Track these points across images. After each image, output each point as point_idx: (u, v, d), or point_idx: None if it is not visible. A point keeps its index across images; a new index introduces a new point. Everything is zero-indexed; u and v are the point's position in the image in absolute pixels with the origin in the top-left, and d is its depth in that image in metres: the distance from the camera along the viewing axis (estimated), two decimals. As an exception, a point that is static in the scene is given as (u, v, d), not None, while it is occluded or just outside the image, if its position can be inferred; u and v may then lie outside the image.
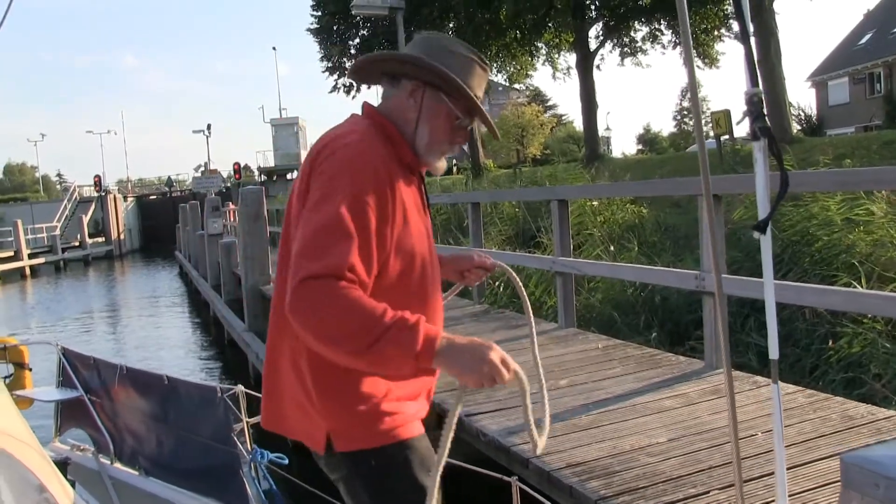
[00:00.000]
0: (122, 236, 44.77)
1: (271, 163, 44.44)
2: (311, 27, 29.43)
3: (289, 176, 43.49)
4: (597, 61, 26.29)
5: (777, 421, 1.53)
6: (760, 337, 5.79)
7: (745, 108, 0.98)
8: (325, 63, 29.92)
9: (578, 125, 51.08)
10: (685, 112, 70.18)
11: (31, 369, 4.37)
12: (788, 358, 5.60)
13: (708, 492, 2.81)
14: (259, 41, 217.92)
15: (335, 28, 28.84)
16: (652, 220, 9.40)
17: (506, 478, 2.51)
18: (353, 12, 15.27)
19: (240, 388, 3.52)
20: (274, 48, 76.34)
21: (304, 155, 46.63)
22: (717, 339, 4.53)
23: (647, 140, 70.22)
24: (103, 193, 44.51)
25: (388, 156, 1.68)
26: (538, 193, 7.01)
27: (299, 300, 1.45)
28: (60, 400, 4.39)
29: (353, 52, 29.06)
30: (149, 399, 3.93)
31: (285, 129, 43.97)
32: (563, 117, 65.86)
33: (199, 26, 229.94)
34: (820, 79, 41.70)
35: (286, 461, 3.37)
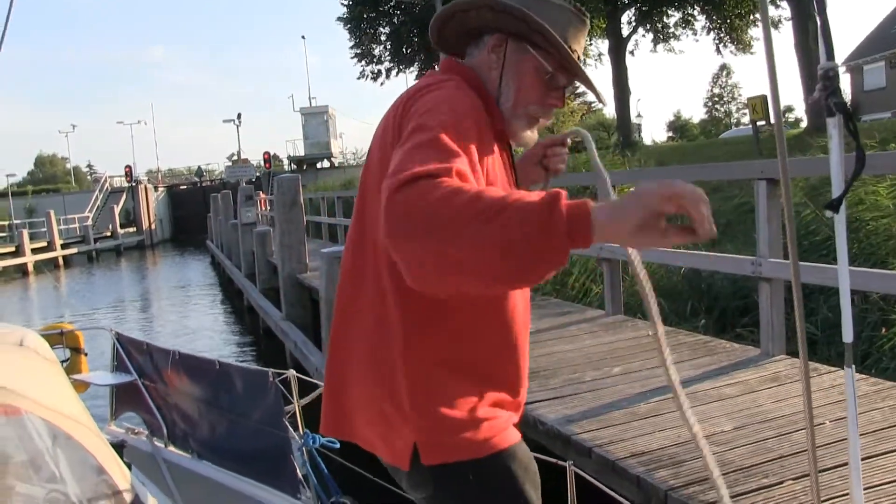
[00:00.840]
0: (153, 226, 45.14)
1: (301, 152, 44.53)
2: (342, 17, 29.44)
3: (319, 165, 43.58)
4: (629, 47, 26.01)
5: (851, 406, 1.43)
6: (809, 324, 5.66)
7: (819, 83, 0.88)
8: (354, 51, 29.95)
9: (608, 112, 50.66)
10: (716, 98, 69.33)
11: (86, 354, 4.40)
12: (838, 346, 5.47)
13: (781, 482, 2.72)
14: (287, 33, 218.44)
15: (365, 17, 28.84)
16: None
17: (560, 462, 2.41)
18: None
19: (291, 372, 3.49)
20: (303, 37, 76.61)
21: (334, 144, 46.73)
22: (774, 326, 4.43)
23: (678, 127, 69.45)
24: (134, 184, 44.88)
25: (482, 109, 1.45)
26: (587, 179, 6.90)
27: (397, 205, 1.10)
28: (115, 384, 4.42)
29: (382, 38, 29.04)
30: (200, 383, 3.93)
31: (315, 117, 43.93)
32: (593, 104, 65.26)
33: (225, 20, 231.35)
34: (855, 63, 40.92)
35: (337, 445, 3.21)
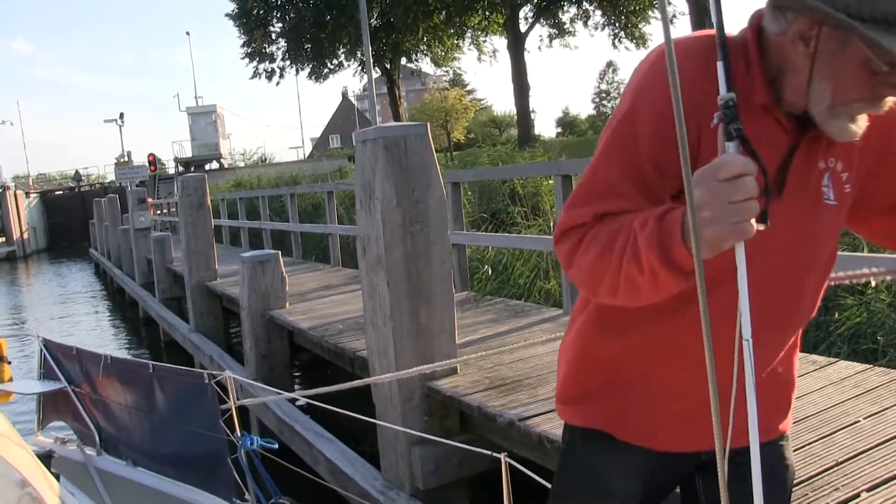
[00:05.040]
0: (25, 235, 42.14)
1: (189, 153, 42.68)
2: (231, 13, 28.23)
3: (207, 167, 41.87)
4: (532, 43, 26.12)
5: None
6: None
7: (720, 111, 0.93)
8: (245, 49, 28.81)
9: (497, 109, 51.05)
10: (603, 94, 71.21)
11: (9, 362, 4.16)
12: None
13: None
14: (174, 29, 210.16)
15: (255, 13, 27.77)
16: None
17: (496, 454, 2.12)
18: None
19: (228, 373, 3.42)
20: (188, 33, 73.74)
21: (223, 144, 45.36)
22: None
23: (566, 123, 70.99)
24: (1, 189, 41.74)
25: (707, 79, 1.12)
26: (541, 169, 6.53)
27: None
28: (42, 392, 4.35)
29: (274, 37, 28.10)
30: (134, 388, 3.87)
31: (203, 117, 42.14)
32: (482, 101, 65.94)
33: (104, 13, 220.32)
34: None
35: (276, 445, 3.38)
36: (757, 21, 1.20)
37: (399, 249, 3.99)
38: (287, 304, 6.72)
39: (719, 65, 0.99)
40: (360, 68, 32.45)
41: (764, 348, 1.29)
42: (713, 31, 1.11)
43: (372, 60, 18.67)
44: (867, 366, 3.70)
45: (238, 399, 3.38)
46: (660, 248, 1.05)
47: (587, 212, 1.19)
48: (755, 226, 0.95)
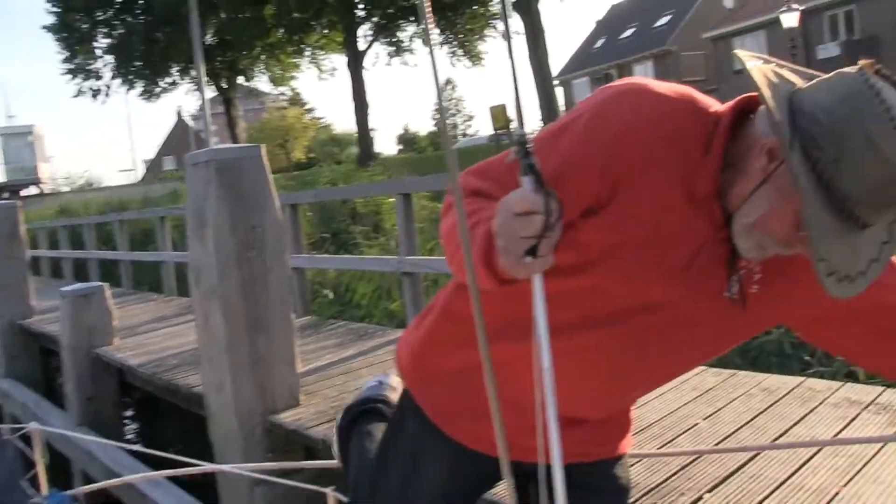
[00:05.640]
0: None
1: (1, 178, 39.46)
2: (50, 25, 26.43)
3: (24, 192, 38.84)
4: (365, 62, 26.19)
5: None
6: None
7: (515, 147, 0.95)
8: (66, 65, 27.06)
9: (338, 127, 50.86)
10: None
11: None
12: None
13: None
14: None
15: (77, 27, 26.15)
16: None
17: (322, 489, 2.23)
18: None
19: (33, 425, 3.16)
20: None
21: (43, 168, 42.56)
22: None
23: (407, 140, 71.77)
24: None
25: (675, 153, 1.10)
26: (382, 188, 6.43)
27: None
28: None
29: (99, 54, 26.61)
30: None
31: (17, 138, 39.13)
32: (322, 120, 65.53)
33: None
34: (565, 78, 45.02)
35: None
36: (741, 104, 1.13)
37: (234, 277, 3.78)
38: (115, 339, 6.24)
39: (515, 102, 0.97)
40: (194, 87, 31.31)
41: (620, 396, 1.37)
42: (686, 92, 1.14)
43: (207, 79, 18.03)
44: (702, 367, 3.86)
45: (58, 450, 3.10)
46: (485, 249, 1.04)
47: (469, 182, 1.19)
48: (545, 262, 0.94)
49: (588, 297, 1.18)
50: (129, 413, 7.12)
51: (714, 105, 1.16)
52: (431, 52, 0.93)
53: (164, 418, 6.65)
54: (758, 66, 1.05)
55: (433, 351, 1.45)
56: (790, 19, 21.46)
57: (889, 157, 0.93)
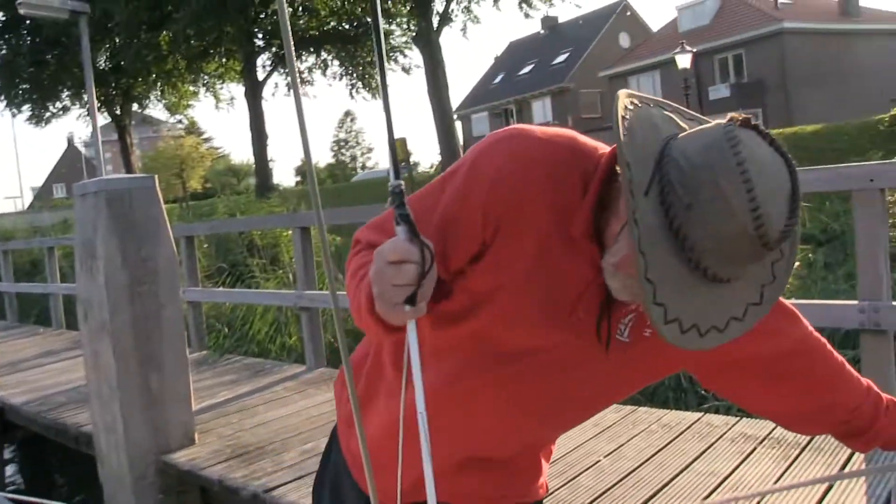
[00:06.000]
0: None
1: None
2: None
3: None
4: (264, 92, 25.90)
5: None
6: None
7: (390, 196, 0.98)
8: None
9: (235, 158, 49.93)
10: (342, 143, 72.38)
11: None
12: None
13: None
14: None
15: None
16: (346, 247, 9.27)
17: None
18: (20, 11, 12.66)
19: None
20: None
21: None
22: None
23: (305, 172, 70.91)
24: None
25: (551, 196, 1.11)
26: (279, 221, 6.37)
27: None
28: None
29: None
30: None
31: None
32: (220, 150, 64.30)
33: None
34: (464, 112, 45.72)
35: None
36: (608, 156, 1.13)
37: (126, 313, 3.70)
38: (-4, 376, 5.94)
39: (390, 152, 0.99)
40: (86, 112, 30.20)
41: (517, 441, 1.34)
42: (565, 136, 1.14)
43: (99, 105, 17.42)
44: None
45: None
46: (370, 296, 1.03)
47: (364, 234, 1.21)
48: (419, 310, 0.96)
49: (477, 341, 1.19)
50: (10, 455, 6.75)
51: (600, 147, 1.15)
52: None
53: (51, 459, 6.35)
54: (628, 105, 1.05)
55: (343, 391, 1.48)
56: (684, 60, 22.41)
57: (736, 210, 0.91)
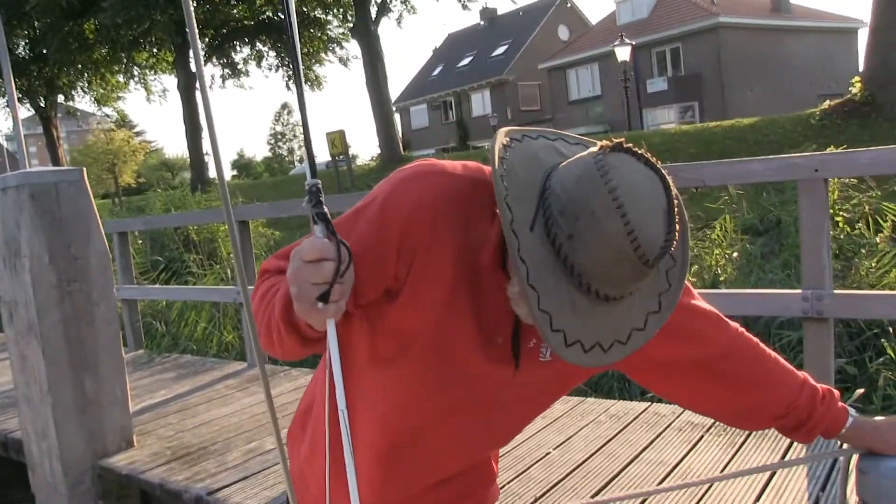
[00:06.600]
0: None
1: None
2: None
3: None
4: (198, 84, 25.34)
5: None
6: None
7: (307, 195, 1.00)
8: None
9: (169, 152, 48.86)
10: (279, 136, 71.52)
11: None
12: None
13: None
14: None
15: None
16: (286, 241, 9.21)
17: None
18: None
19: None
20: None
21: None
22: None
23: (242, 165, 70.16)
24: None
25: (461, 228, 1.11)
26: (216, 215, 6.16)
27: None
28: None
29: None
30: None
31: None
32: (153, 143, 62.90)
33: None
34: (403, 105, 45.59)
35: None
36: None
37: (55, 313, 3.52)
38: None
39: (306, 148, 1.00)
40: (4, 103, 29.01)
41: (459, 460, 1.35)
42: (473, 168, 1.14)
43: (20, 96, 16.74)
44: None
45: None
46: (283, 304, 1.06)
47: (273, 263, 1.21)
48: (338, 308, 0.96)
49: (417, 376, 1.19)
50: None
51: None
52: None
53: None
54: (506, 143, 1.06)
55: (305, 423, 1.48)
56: (623, 53, 22.80)
57: (612, 236, 0.94)
